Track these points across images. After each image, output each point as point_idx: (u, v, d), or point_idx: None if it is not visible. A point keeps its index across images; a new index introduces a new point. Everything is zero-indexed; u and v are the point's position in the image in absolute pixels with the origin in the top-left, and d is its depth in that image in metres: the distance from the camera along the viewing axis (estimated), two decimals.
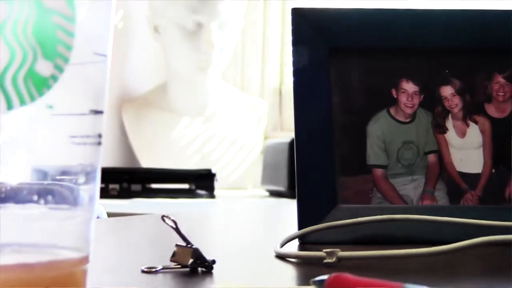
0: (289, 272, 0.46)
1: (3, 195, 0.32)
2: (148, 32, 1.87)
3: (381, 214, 0.58)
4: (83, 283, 0.35)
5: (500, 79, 0.66)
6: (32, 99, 0.32)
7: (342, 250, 0.47)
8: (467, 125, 0.65)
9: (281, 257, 0.50)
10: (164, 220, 0.45)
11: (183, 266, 0.43)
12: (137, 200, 1.53)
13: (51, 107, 0.32)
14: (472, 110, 0.65)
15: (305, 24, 0.64)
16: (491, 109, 0.66)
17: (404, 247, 0.48)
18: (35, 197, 0.33)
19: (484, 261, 0.51)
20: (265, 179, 1.72)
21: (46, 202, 0.33)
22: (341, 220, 0.58)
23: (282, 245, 0.53)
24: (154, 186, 1.59)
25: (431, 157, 0.64)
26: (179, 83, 1.86)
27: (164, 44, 1.84)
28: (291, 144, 1.54)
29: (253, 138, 1.93)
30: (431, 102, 0.65)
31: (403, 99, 0.65)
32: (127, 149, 1.87)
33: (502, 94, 0.66)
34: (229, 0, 1.78)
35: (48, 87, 0.32)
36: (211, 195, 1.57)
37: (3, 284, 0.31)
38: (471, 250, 0.48)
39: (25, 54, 0.31)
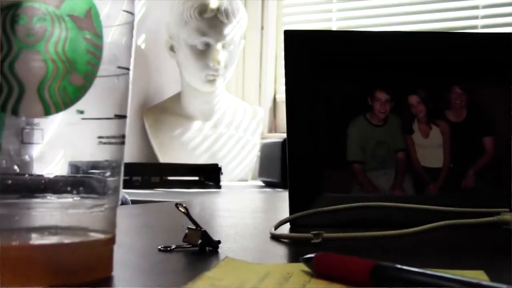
0: (282, 251, 0.46)
1: (42, 186, 0.32)
2: (166, 51, 1.87)
3: (359, 202, 0.57)
4: (109, 260, 0.34)
5: (458, 89, 0.66)
6: (66, 106, 0.31)
7: (327, 232, 0.46)
8: (430, 128, 0.65)
9: (275, 238, 0.50)
10: (177, 207, 0.45)
11: (193, 246, 0.43)
12: (156, 190, 1.53)
13: (82, 112, 0.32)
14: (434, 115, 0.65)
15: (295, 43, 0.64)
16: (450, 115, 0.66)
17: (378, 229, 0.48)
18: (69, 188, 0.32)
19: (445, 241, 0.51)
20: (262, 172, 1.72)
21: (79, 192, 0.33)
22: (326, 207, 0.58)
23: (276, 228, 0.53)
24: (170, 178, 1.59)
25: (400, 154, 0.64)
26: (191, 93, 1.86)
27: (179, 61, 1.84)
28: (283, 143, 1.54)
29: (252, 138, 1.93)
30: (400, 108, 0.65)
31: (377, 106, 0.65)
32: (148, 147, 1.87)
33: (459, 102, 0.66)
34: (232, 25, 1.78)
35: (80, 95, 0.32)
36: (218, 186, 1.57)
37: (42, 260, 0.31)
38: (434, 232, 0.48)
39: (60, 68, 0.31)
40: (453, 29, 1.83)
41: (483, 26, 1.83)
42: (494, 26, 1.82)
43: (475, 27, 1.84)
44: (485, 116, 0.66)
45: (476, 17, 1.85)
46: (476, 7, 1.85)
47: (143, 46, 1.92)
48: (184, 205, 0.44)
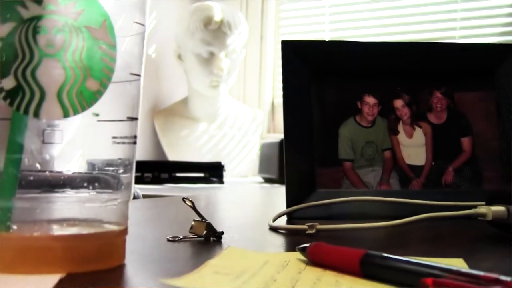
0: (279, 241, 0.46)
1: (62, 182, 0.32)
2: (174, 60, 1.87)
3: (349, 196, 0.57)
4: (122, 249, 0.34)
5: (438, 94, 0.66)
6: (83, 109, 0.31)
7: (320, 224, 0.46)
8: (414, 129, 0.65)
9: (273, 229, 0.50)
10: (184, 201, 0.44)
11: (199, 236, 0.43)
12: (165, 185, 1.52)
13: (97, 115, 0.32)
14: (418, 118, 0.65)
15: (292, 52, 0.63)
16: (431, 117, 0.66)
17: (367, 221, 0.47)
18: (86, 184, 0.32)
19: (427, 232, 0.50)
20: (261, 169, 1.72)
21: (94, 188, 0.32)
22: (319, 201, 0.58)
23: (274, 220, 0.53)
24: (178, 174, 1.59)
25: (387, 153, 0.64)
26: (197, 98, 1.85)
27: (186, 68, 1.84)
28: (281, 143, 1.54)
29: (252, 139, 1.93)
30: (386, 111, 0.65)
31: (365, 109, 0.65)
32: (158, 146, 1.87)
33: (440, 105, 0.66)
34: (234, 36, 1.78)
35: (95, 99, 0.32)
36: (221, 182, 1.57)
37: (61, 249, 0.31)
38: (417, 224, 0.48)
39: (77, 74, 0.31)
40: (434, 39, 1.83)
41: (461, 37, 1.83)
42: (471, 37, 1.82)
43: (454, 37, 1.84)
44: (463, 119, 0.66)
45: (454, 29, 1.85)
46: (454, 20, 1.85)
47: (153, 55, 1.92)
48: (190, 199, 0.44)
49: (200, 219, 0.44)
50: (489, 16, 1.81)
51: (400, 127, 0.65)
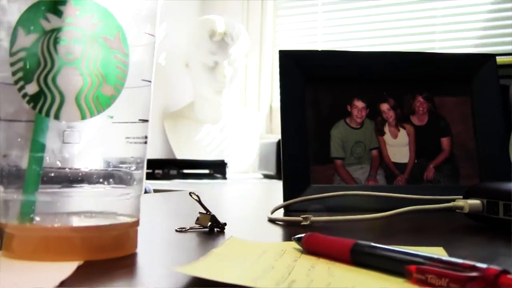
0: (277, 232, 0.46)
1: (80, 178, 0.31)
2: (182, 67, 1.86)
3: (341, 191, 0.57)
4: (135, 239, 0.34)
5: (420, 98, 0.66)
6: (99, 112, 0.31)
7: (314, 216, 0.46)
8: (398, 130, 0.65)
9: (272, 221, 0.50)
10: (191, 195, 0.44)
11: (204, 227, 0.43)
12: (174, 181, 1.52)
13: (112, 117, 0.32)
14: (402, 120, 0.65)
15: (288, 61, 0.63)
16: (414, 119, 0.65)
17: (356, 214, 0.47)
18: (102, 180, 0.32)
19: (410, 223, 0.50)
20: (261, 166, 1.72)
21: (109, 183, 0.32)
22: (313, 195, 0.58)
23: (272, 212, 0.53)
24: (186, 171, 1.58)
25: (374, 152, 0.64)
26: (203, 102, 1.85)
27: (193, 75, 1.83)
28: (278, 143, 1.54)
29: (252, 139, 1.93)
30: (374, 114, 0.65)
31: (355, 112, 0.64)
32: (167, 146, 1.87)
33: (422, 109, 0.66)
34: (236, 46, 1.78)
35: (110, 103, 0.31)
36: (224, 178, 1.56)
37: (79, 239, 0.30)
38: (401, 216, 0.48)
39: (94, 81, 0.31)
40: (416, 49, 1.83)
41: (440, 48, 1.84)
42: (448, 48, 1.83)
43: (433, 48, 1.85)
44: (443, 121, 0.66)
45: (434, 41, 1.86)
46: (433, 33, 1.86)
47: (163, 63, 1.91)
48: (196, 194, 0.44)
49: (205, 212, 0.43)
50: (465, 29, 1.82)
51: (386, 129, 0.65)
